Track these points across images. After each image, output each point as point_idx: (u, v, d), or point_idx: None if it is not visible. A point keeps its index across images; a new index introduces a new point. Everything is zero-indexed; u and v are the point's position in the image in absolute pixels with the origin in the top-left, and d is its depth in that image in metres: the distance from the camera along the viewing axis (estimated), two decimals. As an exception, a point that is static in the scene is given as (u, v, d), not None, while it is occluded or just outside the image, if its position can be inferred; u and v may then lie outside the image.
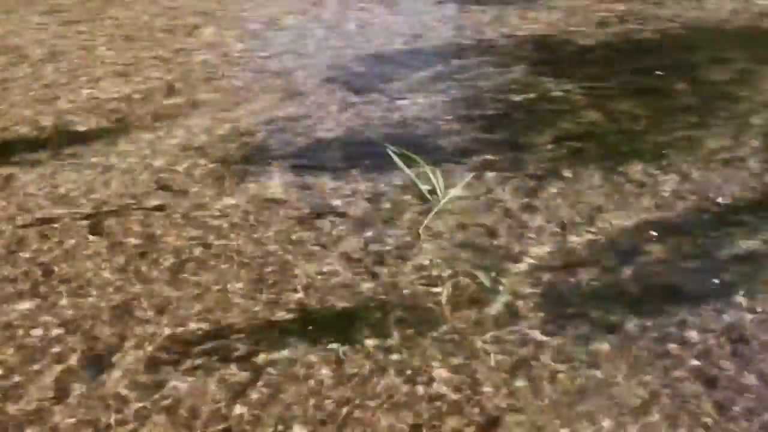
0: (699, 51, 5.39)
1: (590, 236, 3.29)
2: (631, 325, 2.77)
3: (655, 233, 3.30)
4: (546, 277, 3.03)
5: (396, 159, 3.63)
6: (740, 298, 2.92)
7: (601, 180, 3.71)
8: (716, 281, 3.03)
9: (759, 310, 2.86)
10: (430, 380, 2.53)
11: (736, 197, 3.60)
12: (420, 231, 3.34)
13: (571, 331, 2.74)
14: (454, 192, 3.51)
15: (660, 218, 3.44)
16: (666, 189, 3.65)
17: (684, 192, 3.63)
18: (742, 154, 3.95)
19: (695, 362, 2.62)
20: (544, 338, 2.71)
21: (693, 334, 2.74)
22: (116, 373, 2.55)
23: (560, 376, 2.53)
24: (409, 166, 3.57)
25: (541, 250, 3.20)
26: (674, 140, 4.09)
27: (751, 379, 2.55)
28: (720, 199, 3.57)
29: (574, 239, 3.27)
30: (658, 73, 4.98)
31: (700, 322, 2.80)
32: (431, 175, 3.53)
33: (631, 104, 4.51)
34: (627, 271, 3.07)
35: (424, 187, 3.53)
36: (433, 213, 3.44)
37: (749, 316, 2.84)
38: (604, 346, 2.68)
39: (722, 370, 2.59)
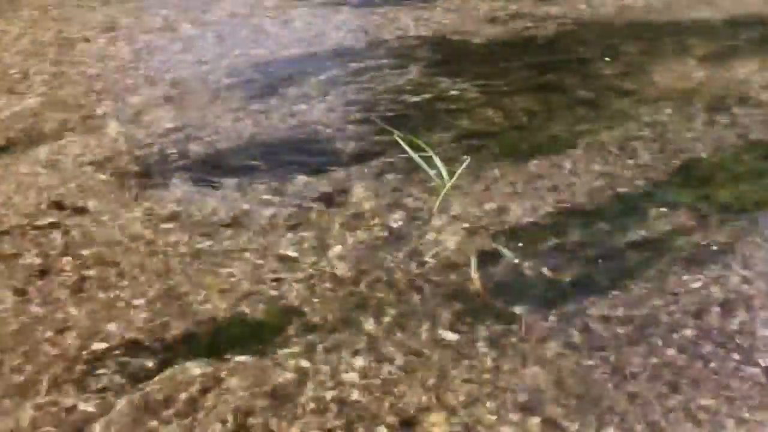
0: (590, 46, 5.52)
1: (492, 231, 3.35)
2: (537, 316, 2.84)
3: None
4: (451, 276, 3.07)
5: (402, 143, 3.77)
6: (640, 285, 3.03)
7: (501, 176, 3.78)
8: (616, 269, 3.13)
9: (657, 296, 2.97)
10: (339, 384, 2.54)
11: (630, 187, 3.71)
12: (434, 211, 3.49)
13: (479, 328, 2.79)
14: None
15: (560, 210, 3.52)
16: (564, 182, 3.74)
17: (581, 183, 3.73)
18: (634, 146, 4.07)
19: (602, 352, 2.70)
20: (452, 336, 2.76)
21: (597, 325, 2.82)
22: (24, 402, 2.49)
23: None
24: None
25: (447, 246, 3.24)
26: (570, 134, 4.19)
27: (657, 365, 2.64)
28: (617, 189, 3.68)
29: (478, 235, 3.32)
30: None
31: (604, 311, 2.88)
32: (436, 160, 3.63)
33: (524, 100, 4.60)
34: (528, 264, 3.14)
35: (432, 171, 3.65)
36: (442, 195, 3.55)
37: (650, 302, 2.94)
38: (506, 339, 2.74)
39: (628, 358, 2.67)
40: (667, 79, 4.93)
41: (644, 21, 5.98)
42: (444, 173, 3.59)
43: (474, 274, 3.05)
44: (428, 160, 3.65)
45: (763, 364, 2.63)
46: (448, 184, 3.58)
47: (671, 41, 5.57)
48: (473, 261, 3.11)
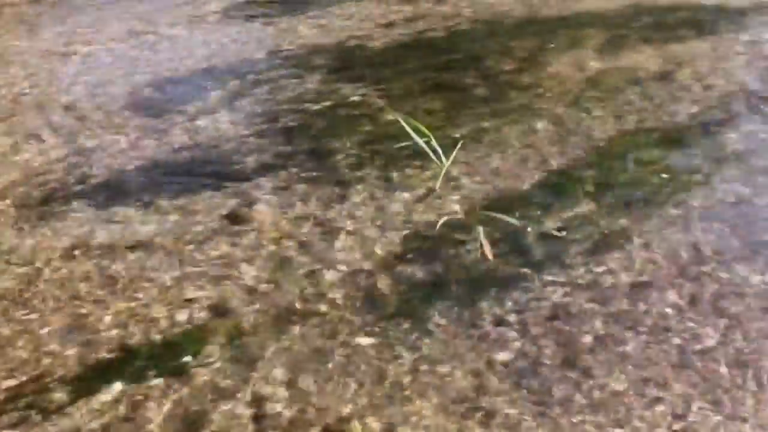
0: (486, 43, 5.60)
1: (402, 234, 3.37)
2: (451, 315, 2.87)
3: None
4: (363, 281, 3.08)
5: (407, 128, 3.96)
6: (550, 276, 3.09)
7: (407, 178, 3.80)
8: (525, 262, 3.18)
9: (567, 287, 3.03)
10: (259, 399, 2.53)
11: (533, 181, 3.78)
12: (436, 187, 3.67)
13: (393, 330, 2.81)
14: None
15: (466, 209, 3.56)
16: (467, 180, 3.78)
17: (484, 181, 3.78)
18: (536, 139, 4.15)
19: (516, 343, 2.75)
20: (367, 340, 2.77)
21: (511, 317, 2.87)
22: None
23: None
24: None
25: (355, 254, 3.24)
26: (471, 132, 4.24)
27: (569, 355, 2.69)
28: (520, 184, 3.74)
29: (385, 239, 3.34)
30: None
31: (516, 304, 2.93)
32: (433, 142, 3.85)
33: (426, 101, 4.63)
34: (440, 265, 3.17)
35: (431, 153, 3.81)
36: (442, 174, 3.75)
37: (560, 291, 3.00)
38: (427, 339, 2.76)
39: (542, 348, 2.72)
40: (563, 71, 5.03)
41: (537, 16, 6.09)
42: (441, 154, 3.81)
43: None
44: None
45: (675, 343, 2.71)
46: (447, 164, 3.78)
47: (566, 34, 5.69)
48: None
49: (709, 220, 3.43)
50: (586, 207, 3.54)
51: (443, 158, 3.83)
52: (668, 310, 2.88)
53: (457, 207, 3.58)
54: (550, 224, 3.41)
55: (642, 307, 2.90)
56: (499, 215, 3.44)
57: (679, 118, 4.36)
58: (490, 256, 3.19)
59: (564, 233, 3.32)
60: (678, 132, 4.22)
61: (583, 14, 6.10)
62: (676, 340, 2.73)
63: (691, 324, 2.81)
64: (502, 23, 5.97)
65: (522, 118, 4.33)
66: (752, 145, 4.06)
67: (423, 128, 3.94)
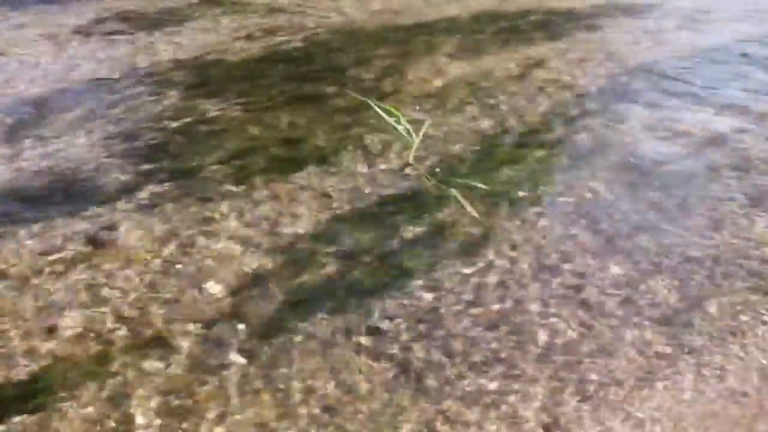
0: (345, 54, 5.63)
1: (269, 247, 3.35)
2: (322, 326, 2.87)
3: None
4: (233, 298, 3.04)
5: (377, 108, 4.19)
6: (420, 281, 3.12)
7: (272, 192, 3.78)
8: (394, 268, 3.21)
9: (439, 290, 3.07)
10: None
11: (393, 190, 3.81)
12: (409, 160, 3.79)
13: (268, 347, 2.78)
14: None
15: (334, 216, 3.57)
16: (332, 191, 3.79)
17: (350, 190, 3.79)
18: (397, 147, 4.19)
19: (390, 350, 2.76)
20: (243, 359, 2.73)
21: (386, 324, 2.89)
22: None
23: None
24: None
25: (224, 272, 3.20)
26: (334, 142, 4.25)
27: (440, 357, 2.73)
28: (379, 193, 3.78)
29: (253, 254, 3.31)
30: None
31: (388, 311, 2.95)
32: (402, 121, 4.10)
33: (287, 113, 4.62)
34: (306, 277, 3.16)
35: (401, 127, 4.03)
36: (414, 146, 4.00)
37: (430, 296, 3.03)
38: (302, 352, 2.74)
39: (416, 353, 2.75)
40: (422, 78, 5.11)
41: (394, 24, 6.17)
42: (411, 131, 4.04)
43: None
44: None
45: (541, 341, 2.79)
46: (417, 140, 4.01)
47: (422, 41, 5.79)
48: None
49: (568, 216, 3.55)
50: (452, 209, 3.60)
51: (413, 135, 4.06)
52: (533, 307, 2.95)
53: (336, 204, 3.60)
54: (418, 230, 3.45)
55: (508, 303, 2.97)
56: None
57: (536, 118, 4.49)
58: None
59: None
60: (536, 131, 4.35)
61: (440, 21, 6.23)
62: (543, 335, 2.81)
63: (555, 319, 2.89)
64: (361, 32, 6.02)
65: (384, 126, 4.36)
66: (606, 141, 4.23)
67: (393, 110, 4.15)
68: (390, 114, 4.15)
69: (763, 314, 2.92)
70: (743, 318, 2.91)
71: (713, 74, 5.19)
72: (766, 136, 4.32)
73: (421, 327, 2.86)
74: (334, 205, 3.66)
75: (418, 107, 4.64)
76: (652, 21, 6.22)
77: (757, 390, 2.56)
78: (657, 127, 4.41)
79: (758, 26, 6.15)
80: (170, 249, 3.35)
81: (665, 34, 5.93)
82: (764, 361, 2.69)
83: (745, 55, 5.54)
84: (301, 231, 3.46)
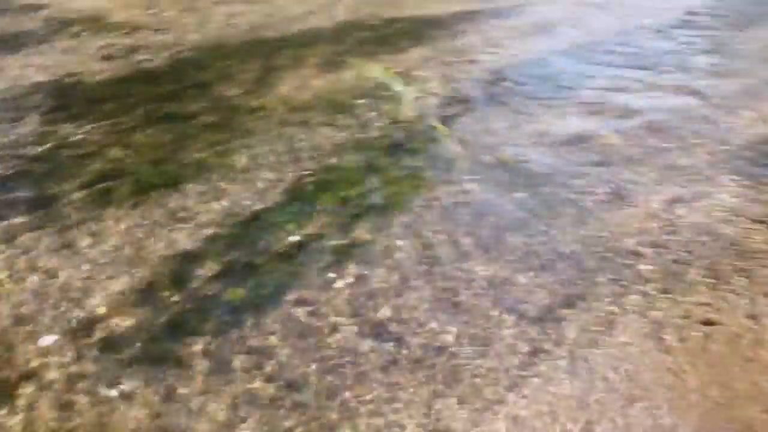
0: (210, 70, 5.56)
1: (137, 271, 3.27)
2: (197, 349, 2.81)
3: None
4: (100, 327, 2.95)
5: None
6: (294, 295, 3.10)
7: (139, 214, 3.69)
8: (266, 282, 3.18)
9: (313, 303, 3.06)
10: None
11: (267, 202, 3.79)
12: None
13: (144, 372, 2.71)
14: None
15: (207, 237, 3.51)
16: (203, 209, 3.73)
17: (221, 208, 3.74)
18: (267, 161, 4.16)
19: (274, 367, 2.73)
20: (114, 392, 2.65)
21: (258, 341, 2.85)
22: None
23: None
24: None
25: (90, 300, 3.10)
26: (203, 160, 4.19)
27: (313, 369, 2.71)
28: (254, 207, 3.74)
29: (115, 282, 3.22)
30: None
31: (263, 327, 2.91)
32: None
33: (153, 133, 4.52)
34: (177, 298, 3.10)
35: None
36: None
37: (300, 310, 3.01)
38: (178, 377, 2.68)
39: (293, 368, 2.73)
40: (288, 91, 5.09)
41: (259, 38, 6.14)
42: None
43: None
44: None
45: (418, 346, 2.81)
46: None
47: (288, 55, 5.77)
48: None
49: (438, 220, 3.60)
50: (324, 220, 3.59)
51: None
52: (408, 314, 2.97)
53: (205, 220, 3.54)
54: (286, 243, 3.43)
55: (385, 312, 2.98)
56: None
57: (401, 126, 4.54)
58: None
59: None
60: (404, 138, 4.39)
61: (304, 34, 6.23)
62: (419, 340, 2.83)
63: (433, 324, 2.92)
64: (226, 48, 5.97)
65: (252, 142, 4.33)
66: (473, 144, 4.31)
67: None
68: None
69: (629, 304, 3.02)
70: (611, 309, 3.00)
71: (571, 74, 5.36)
72: (622, 131, 4.48)
73: (297, 341, 2.83)
74: (204, 224, 3.60)
75: (289, 122, 4.61)
76: (513, 25, 6.38)
77: (627, 378, 2.64)
78: (521, 127, 4.53)
79: (611, 26, 6.38)
80: (32, 281, 3.22)
81: (526, 38, 6.09)
82: (633, 350, 2.78)
83: (604, 53, 5.75)
84: (170, 252, 3.39)
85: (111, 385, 2.66)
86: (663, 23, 6.47)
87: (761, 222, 3.60)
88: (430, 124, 4.16)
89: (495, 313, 2.97)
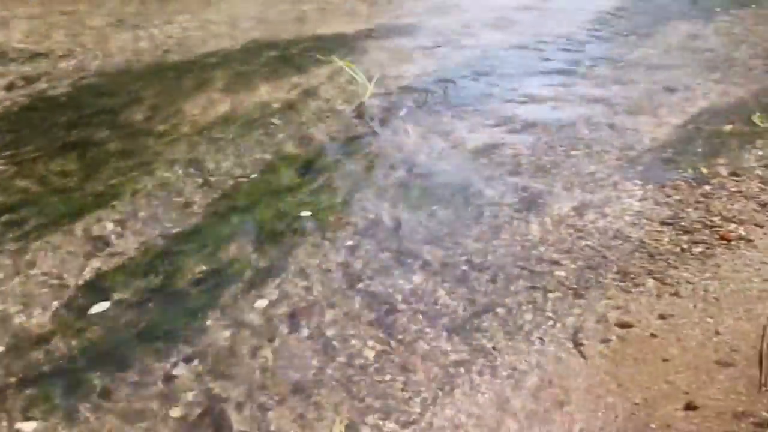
0: (115, 96, 5.46)
1: (50, 303, 3.17)
2: (118, 380, 2.75)
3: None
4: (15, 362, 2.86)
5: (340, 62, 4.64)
6: (210, 321, 3.05)
7: (49, 244, 3.59)
8: (188, 309, 3.13)
9: (234, 326, 3.02)
10: None
11: (181, 226, 3.73)
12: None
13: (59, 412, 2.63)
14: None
15: (110, 266, 3.43)
16: (115, 237, 3.65)
17: (132, 234, 3.67)
18: (177, 185, 4.11)
19: (196, 395, 2.68)
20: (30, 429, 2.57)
21: (179, 370, 2.80)
22: None
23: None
24: None
25: (11, 331, 3.00)
26: (113, 187, 4.11)
27: (235, 394, 2.68)
28: (167, 232, 3.68)
29: (32, 313, 3.13)
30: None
31: (183, 354, 2.86)
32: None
33: (60, 162, 4.41)
34: (96, 328, 3.03)
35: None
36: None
37: (226, 333, 2.98)
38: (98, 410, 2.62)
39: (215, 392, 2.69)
40: (196, 113, 5.04)
41: (165, 62, 6.07)
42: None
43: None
44: None
45: (340, 361, 2.80)
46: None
47: (193, 77, 5.71)
48: None
49: (354, 237, 3.60)
50: (239, 242, 3.56)
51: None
52: (329, 332, 2.96)
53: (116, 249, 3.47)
54: (204, 268, 3.38)
55: (305, 332, 2.97)
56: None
57: (314, 144, 4.54)
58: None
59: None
60: (315, 157, 4.39)
61: (210, 55, 6.18)
62: (341, 359, 2.82)
63: (354, 341, 2.91)
64: (131, 73, 5.87)
65: (161, 167, 4.27)
66: (385, 160, 4.33)
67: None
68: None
69: (546, 311, 3.08)
70: (529, 316, 3.04)
71: (478, 87, 5.44)
72: (531, 141, 4.56)
73: (219, 366, 2.79)
74: (116, 252, 3.52)
75: (197, 145, 4.56)
76: (417, 41, 6.44)
77: (549, 384, 2.68)
78: (433, 140, 4.57)
79: (512, 40, 6.50)
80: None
81: (431, 52, 6.16)
82: (552, 356, 2.82)
83: (509, 65, 5.85)
84: (81, 282, 3.30)
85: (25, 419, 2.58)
86: (567, 35, 6.62)
87: (668, 224, 3.70)
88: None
89: (415, 326, 2.98)
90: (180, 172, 4.23)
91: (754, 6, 7.53)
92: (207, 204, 3.92)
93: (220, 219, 3.79)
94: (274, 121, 4.89)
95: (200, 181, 4.15)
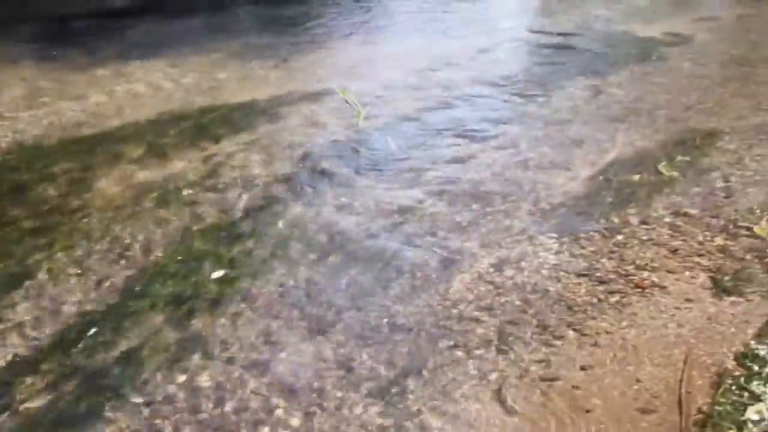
0: (26, 173, 5.35)
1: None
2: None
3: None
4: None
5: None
6: (133, 398, 2.99)
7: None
8: (110, 387, 3.06)
9: (154, 402, 2.96)
10: None
11: (99, 305, 3.66)
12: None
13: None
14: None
15: (33, 347, 3.34)
16: (30, 318, 3.56)
17: (49, 314, 3.59)
18: (93, 262, 4.03)
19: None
20: None
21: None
22: None
23: None
24: None
25: None
26: (26, 266, 4.01)
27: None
28: (83, 309, 3.61)
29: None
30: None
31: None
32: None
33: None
34: (11, 412, 2.94)
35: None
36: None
37: (146, 410, 2.92)
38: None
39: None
40: (111, 187, 4.97)
41: (77, 136, 5.98)
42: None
43: None
44: None
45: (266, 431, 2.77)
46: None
47: (107, 150, 5.64)
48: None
49: (274, 305, 3.59)
50: (158, 317, 3.52)
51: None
52: (253, 403, 2.93)
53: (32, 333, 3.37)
54: (129, 346, 3.32)
55: (229, 405, 2.93)
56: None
57: (234, 213, 4.51)
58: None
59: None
60: (235, 225, 4.37)
61: (124, 128, 6.12)
62: (266, 429, 2.79)
63: (279, 411, 2.89)
64: (42, 149, 5.77)
65: (77, 243, 4.19)
66: (304, 226, 4.33)
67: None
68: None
69: (469, 368, 3.10)
70: (453, 376, 3.06)
71: (392, 147, 5.50)
72: (447, 199, 4.62)
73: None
74: (31, 335, 3.43)
75: (113, 220, 4.49)
76: (330, 105, 6.49)
77: (475, 442, 2.70)
78: (350, 204, 4.60)
79: (425, 101, 6.61)
80: None
81: (343, 116, 6.20)
82: (477, 415, 2.84)
83: (421, 125, 5.94)
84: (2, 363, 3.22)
85: None
86: (478, 94, 6.75)
87: (584, 275, 3.78)
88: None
89: (339, 393, 2.97)
90: (96, 247, 4.16)
91: (654, 58, 7.81)
92: (124, 279, 3.86)
93: (138, 294, 3.72)
94: (190, 191, 4.85)
95: (117, 255, 4.08)
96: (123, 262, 4.03)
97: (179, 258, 4.05)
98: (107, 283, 3.83)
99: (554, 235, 4.18)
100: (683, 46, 8.34)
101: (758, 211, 4.39)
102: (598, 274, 3.79)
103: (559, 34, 8.88)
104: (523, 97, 6.64)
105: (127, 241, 4.23)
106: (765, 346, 3.20)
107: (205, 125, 6.03)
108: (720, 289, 3.65)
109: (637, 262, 3.90)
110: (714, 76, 7.15)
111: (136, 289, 3.77)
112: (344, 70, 7.65)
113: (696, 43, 8.43)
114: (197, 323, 3.47)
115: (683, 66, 7.55)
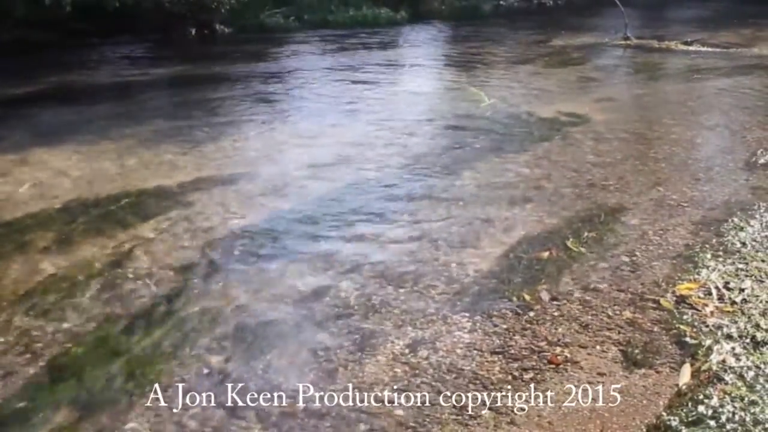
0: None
1: None
2: None
3: None
4: None
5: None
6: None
7: None
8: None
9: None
10: None
11: (2, 399, 3.53)
12: None
13: None
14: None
15: None
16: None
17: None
18: (1, 357, 3.92)
19: None
20: None
21: None
22: None
23: None
24: None
25: None
26: None
27: None
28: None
29: None
30: None
31: None
32: None
33: None
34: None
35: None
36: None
37: None
38: None
39: None
40: (17, 279, 4.83)
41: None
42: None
43: None
44: None
45: None
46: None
47: (12, 241, 5.49)
48: None
49: (190, 395, 3.52)
50: (66, 413, 3.41)
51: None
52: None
53: None
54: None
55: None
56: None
57: (138, 305, 4.42)
58: None
59: None
60: (140, 318, 4.27)
61: (28, 217, 5.97)
62: None
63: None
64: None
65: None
66: (214, 314, 4.27)
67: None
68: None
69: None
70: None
71: (305, 232, 5.50)
72: (360, 282, 4.63)
73: None
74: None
75: (19, 312, 4.35)
76: (241, 189, 6.48)
77: None
78: (262, 289, 4.56)
79: (337, 186, 6.65)
80: None
81: (255, 199, 6.20)
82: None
83: (334, 209, 5.96)
84: None
85: None
86: (383, 179, 6.81)
87: (498, 353, 3.81)
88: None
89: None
90: (1, 340, 4.02)
91: (557, 138, 8.05)
92: (32, 374, 3.73)
93: (47, 389, 3.60)
94: (99, 280, 4.75)
95: (22, 349, 3.95)
96: (29, 355, 3.90)
97: (88, 349, 3.95)
98: (13, 377, 3.70)
99: (467, 313, 4.22)
100: (584, 125, 8.61)
101: (663, 283, 4.52)
102: (512, 352, 3.83)
103: (465, 116, 9.08)
104: (431, 177, 6.73)
105: (35, 333, 4.11)
106: (676, 418, 3.26)
107: (115, 212, 5.94)
108: (630, 362, 3.72)
109: (549, 338, 3.95)
110: (614, 154, 7.41)
111: (44, 384, 3.66)
112: (255, 154, 7.67)
113: (595, 123, 8.72)
114: (108, 418, 3.38)
115: (585, 144, 7.79)
